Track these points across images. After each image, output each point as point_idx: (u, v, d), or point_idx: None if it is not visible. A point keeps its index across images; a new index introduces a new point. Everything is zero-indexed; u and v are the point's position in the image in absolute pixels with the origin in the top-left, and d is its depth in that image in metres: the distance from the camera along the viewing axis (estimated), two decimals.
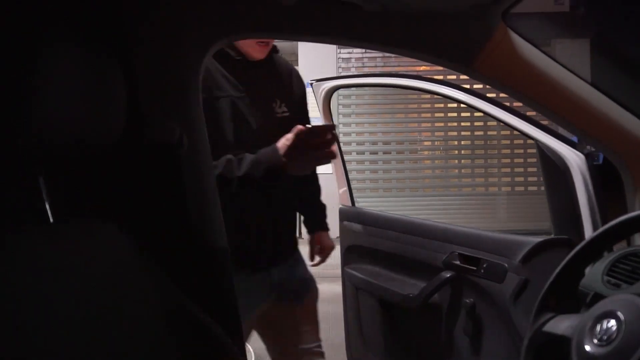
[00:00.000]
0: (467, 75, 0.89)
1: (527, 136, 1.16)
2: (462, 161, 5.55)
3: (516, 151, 5.47)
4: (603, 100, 0.91)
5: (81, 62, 0.59)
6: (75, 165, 0.68)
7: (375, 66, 5.39)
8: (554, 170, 1.18)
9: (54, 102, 0.55)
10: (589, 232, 1.08)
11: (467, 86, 1.41)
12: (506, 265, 1.15)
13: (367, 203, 5.46)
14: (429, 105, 5.47)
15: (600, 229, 0.74)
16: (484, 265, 1.20)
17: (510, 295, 1.16)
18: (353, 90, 5.45)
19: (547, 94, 0.90)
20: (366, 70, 5.45)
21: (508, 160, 5.45)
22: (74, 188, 0.78)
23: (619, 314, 0.61)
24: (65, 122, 0.57)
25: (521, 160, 5.42)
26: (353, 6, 0.79)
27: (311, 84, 1.60)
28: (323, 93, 1.57)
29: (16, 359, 0.49)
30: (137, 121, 0.79)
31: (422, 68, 5.07)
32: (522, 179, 5.43)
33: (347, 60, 5.37)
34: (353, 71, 5.40)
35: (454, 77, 4.49)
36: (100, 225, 0.68)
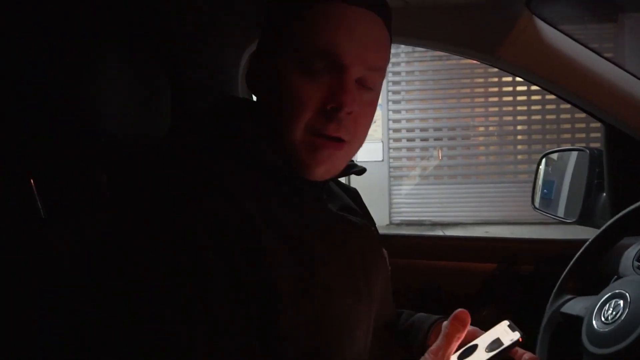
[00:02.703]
0: (492, 64, 0.91)
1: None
2: (519, 147, 5.36)
3: (577, 135, 5.20)
4: (634, 83, 0.89)
5: (131, 67, 0.68)
6: (132, 158, 0.78)
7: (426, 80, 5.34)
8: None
9: (109, 104, 0.65)
10: None
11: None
12: None
13: (417, 191, 5.43)
14: (482, 90, 5.31)
15: (613, 218, 0.75)
16: None
17: None
18: (403, 75, 5.41)
19: (575, 80, 0.90)
20: (417, 84, 5.42)
21: (568, 145, 5.20)
22: (132, 179, 0.88)
23: (627, 294, 0.63)
24: (120, 121, 0.67)
25: (583, 144, 5.14)
26: None
27: None
28: None
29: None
30: (182, 113, 0.89)
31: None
32: None
33: (397, 73, 5.38)
34: (403, 85, 5.40)
35: None
36: None
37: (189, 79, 0.92)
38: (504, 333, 0.68)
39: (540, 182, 1.28)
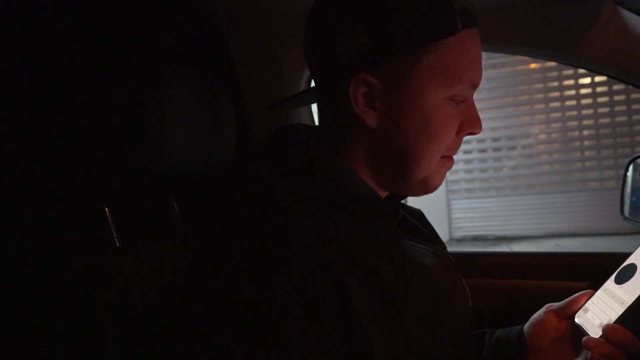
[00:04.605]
0: (571, 63, 0.84)
1: None
2: (586, 152, 5.02)
3: None
4: None
5: (196, 93, 0.68)
6: (201, 183, 0.79)
7: (480, 89, 5.16)
8: None
9: (178, 130, 0.65)
10: None
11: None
12: None
13: (478, 204, 5.21)
14: (542, 95, 5.06)
15: None
16: None
17: None
18: None
19: None
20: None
21: None
22: (202, 204, 0.89)
23: None
24: (188, 146, 0.67)
25: None
26: None
27: None
28: None
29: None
30: (246, 137, 0.89)
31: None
32: None
33: None
34: None
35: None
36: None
37: (250, 101, 0.91)
38: None
39: (628, 189, 1.16)
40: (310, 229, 0.50)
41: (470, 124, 0.58)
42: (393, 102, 0.55)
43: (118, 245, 0.67)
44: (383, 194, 0.63)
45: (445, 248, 0.73)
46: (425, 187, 0.60)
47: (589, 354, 0.57)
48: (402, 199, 0.72)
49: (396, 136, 0.56)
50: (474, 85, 0.57)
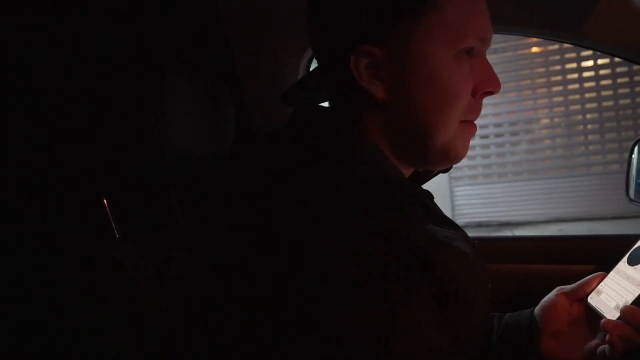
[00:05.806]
0: (575, 42, 0.82)
1: None
2: (590, 136, 4.99)
3: None
4: None
5: (196, 88, 0.67)
6: (200, 177, 0.78)
7: None
8: None
9: (178, 125, 0.65)
10: None
11: None
12: None
13: (480, 191, 5.20)
14: (544, 80, 5.01)
15: None
16: None
17: None
18: None
19: None
20: None
21: None
22: (201, 197, 0.88)
23: None
24: (188, 141, 0.66)
25: None
26: None
27: None
28: None
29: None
30: (246, 130, 0.88)
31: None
32: None
33: None
34: None
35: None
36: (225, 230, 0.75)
37: (250, 90, 0.90)
38: None
39: (633, 171, 1.15)
40: (340, 214, 0.48)
41: (486, 82, 0.55)
42: (398, 69, 0.53)
43: (118, 241, 0.66)
44: (406, 172, 0.61)
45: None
46: (448, 156, 0.58)
47: (607, 335, 0.57)
48: (422, 183, 0.70)
49: (408, 104, 0.54)
50: (484, 41, 0.54)
